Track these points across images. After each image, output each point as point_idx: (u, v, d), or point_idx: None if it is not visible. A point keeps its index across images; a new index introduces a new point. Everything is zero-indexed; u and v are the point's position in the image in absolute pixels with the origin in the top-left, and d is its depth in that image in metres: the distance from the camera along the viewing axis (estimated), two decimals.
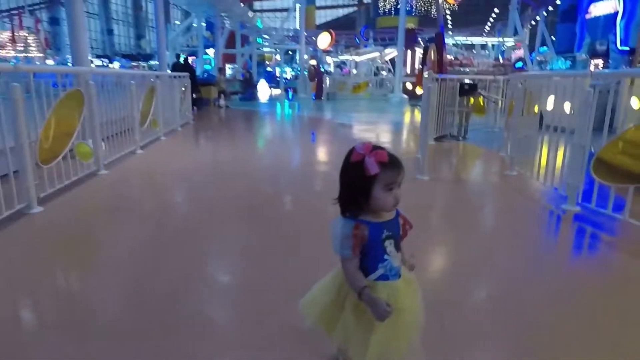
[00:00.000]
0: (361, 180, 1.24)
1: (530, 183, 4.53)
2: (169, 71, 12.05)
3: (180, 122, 9.09)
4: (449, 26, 32.53)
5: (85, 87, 4.45)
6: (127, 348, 1.77)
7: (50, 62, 30.45)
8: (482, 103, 8.60)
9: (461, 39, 29.18)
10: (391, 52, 23.48)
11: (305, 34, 23.79)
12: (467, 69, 17.23)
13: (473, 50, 28.89)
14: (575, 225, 3.36)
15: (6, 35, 21.89)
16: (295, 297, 1.49)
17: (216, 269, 2.64)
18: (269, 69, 30.84)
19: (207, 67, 27.16)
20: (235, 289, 2.38)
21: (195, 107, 11.97)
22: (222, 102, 14.63)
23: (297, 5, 22.88)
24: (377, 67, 25.23)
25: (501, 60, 22.85)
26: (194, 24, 27.00)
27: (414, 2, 40.39)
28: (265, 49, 30.57)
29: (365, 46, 29.33)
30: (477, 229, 3.45)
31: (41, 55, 22.76)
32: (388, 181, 1.25)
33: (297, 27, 23.59)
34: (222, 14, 20.22)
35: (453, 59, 19.32)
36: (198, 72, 19.00)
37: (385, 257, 1.31)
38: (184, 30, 29.86)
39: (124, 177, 4.81)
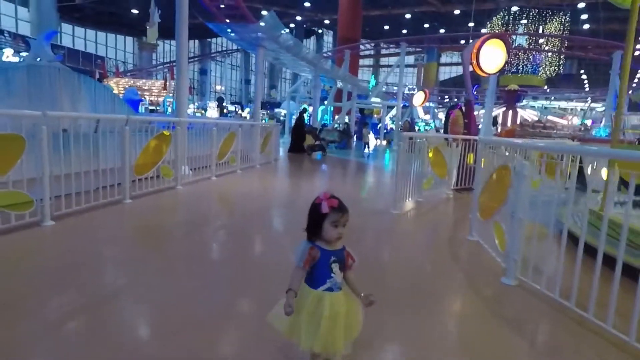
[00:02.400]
0: (318, 216, 1.84)
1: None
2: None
3: (262, 160, 11.46)
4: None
5: (174, 132, 6.87)
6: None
7: (191, 106, 36.77)
8: None
9: (545, 103, 28.83)
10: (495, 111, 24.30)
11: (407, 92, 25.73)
12: (552, 132, 17.48)
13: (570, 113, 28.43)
14: None
15: (159, 83, 27.63)
16: None
17: (229, 246, 4.57)
18: (380, 124, 33.14)
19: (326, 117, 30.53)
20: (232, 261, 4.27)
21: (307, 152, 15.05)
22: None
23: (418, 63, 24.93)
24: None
25: (589, 125, 22.43)
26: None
27: (542, 61, 40.41)
28: (374, 104, 33.10)
29: (477, 104, 30.27)
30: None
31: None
32: (333, 219, 1.83)
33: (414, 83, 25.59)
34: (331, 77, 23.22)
35: (535, 121, 19.58)
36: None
37: (332, 275, 1.88)
38: (304, 82, 33.95)
39: (193, 191, 7.06)
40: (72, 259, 3.59)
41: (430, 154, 7.64)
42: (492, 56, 8.65)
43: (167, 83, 27.29)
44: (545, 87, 37.76)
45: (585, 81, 35.93)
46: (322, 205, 1.82)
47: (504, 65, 9.89)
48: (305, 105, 27.51)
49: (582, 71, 35.01)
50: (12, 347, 2.25)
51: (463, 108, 9.41)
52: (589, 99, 30.99)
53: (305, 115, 28.25)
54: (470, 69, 8.98)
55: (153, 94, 26.90)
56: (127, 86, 24.44)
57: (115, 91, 23.41)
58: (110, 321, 2.58)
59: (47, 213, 4.39)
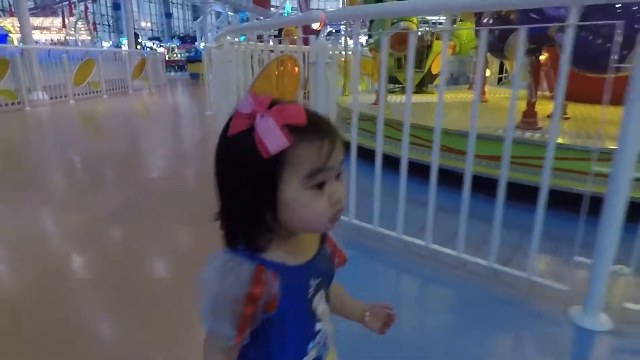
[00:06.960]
0: (256, 169, 0.55)
1: None
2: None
3: (138, 87, 12.44)
4: None
5: (13, 59, 7.82)
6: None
7: (105, 44, 35.70)
8: None
9: None
10: None
11: None
12: None
13: None
14: None
15: (58, 21, 26.70)
16: None
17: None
18: None
19: None
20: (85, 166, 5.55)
21: None
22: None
23: None
24: None
25: None
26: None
27: None
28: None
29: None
30: None
31: (89, 38, 27.25)
32: (314, 166, 0.56)
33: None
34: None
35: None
36: None
37: (318, 326, 0.68)
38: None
39: (43, 111, 8.13)
40: None
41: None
42: None
43: (65, 20, 26.34)
44: None
45: None
46: (259, 135, 0.53)
47: None
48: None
49: None
50: None
51: None
52: None
53: None
54: None
55: (52, 32, 26.00)
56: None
57: (13, 31, 22.71)
58: None
59: None
